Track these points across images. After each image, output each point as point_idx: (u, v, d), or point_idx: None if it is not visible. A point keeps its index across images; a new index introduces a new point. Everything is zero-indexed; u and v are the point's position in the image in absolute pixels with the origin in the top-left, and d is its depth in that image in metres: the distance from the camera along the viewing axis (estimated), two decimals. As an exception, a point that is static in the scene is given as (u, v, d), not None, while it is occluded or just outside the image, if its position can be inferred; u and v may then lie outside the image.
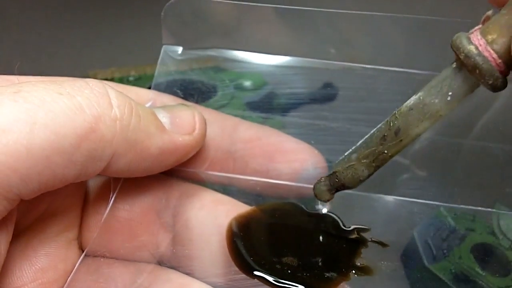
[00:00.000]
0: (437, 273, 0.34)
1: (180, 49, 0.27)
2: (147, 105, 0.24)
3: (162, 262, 0.22)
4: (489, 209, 0.24)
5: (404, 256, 0.34)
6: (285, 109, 0.29)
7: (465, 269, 0.33)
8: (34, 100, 0.17)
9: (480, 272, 0.32)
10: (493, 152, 0.27)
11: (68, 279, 0.21)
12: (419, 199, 0.24)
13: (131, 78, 0.47)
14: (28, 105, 0.17)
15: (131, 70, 0.47)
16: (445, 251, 0.34)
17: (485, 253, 0.32)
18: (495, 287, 0.31)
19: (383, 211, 0.24)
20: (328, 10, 0.25)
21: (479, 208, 0.24)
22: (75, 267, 0.22)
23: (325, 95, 0.29)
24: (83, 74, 0.46)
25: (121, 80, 0.47)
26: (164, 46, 0.27)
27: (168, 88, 0.26)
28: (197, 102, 0.26)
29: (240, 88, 0.31)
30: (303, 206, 0.23)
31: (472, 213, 0.28)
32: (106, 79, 0.45)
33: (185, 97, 0.26)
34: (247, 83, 0.31)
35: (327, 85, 0.29)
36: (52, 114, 0.17)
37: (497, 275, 0.31)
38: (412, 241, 0.34)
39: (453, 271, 0.34)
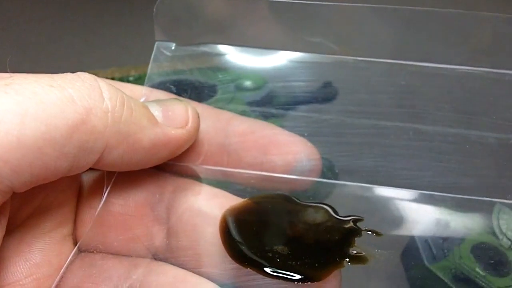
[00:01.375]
0: (437, 273, 0.34)
1: (173, 46, 0.27)
2: (141, 100, 0.24)
3: (156, 255, 0.22)
4: (490, 199, 0.24)
5: (404, 256, 0.34)
6: (281, 104, 0.28)
7: (465, 269, 0.33)
8: (25, 92, 0.17)
9: (480, 272, 0.32)
10: (493, 144, 0.27)
11: (60, 273, 0.21)
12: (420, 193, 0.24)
13: (131, 78, 0.47)
14: (19, 97, 0.17)
15: (131, 70, 0.48)
16: (445, 251, 0.34)
17: (485, 253, 0.32)
18: (495, 287, 0.31)
19: (381, 204, 0.24)
20: (321, 3, 0.25)
21: (479, 198, 0.23)
22: (67, 261, 0.22)
23: (324, 93, 0.29)
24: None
25: (121, 80, 0.47)
26: (157, 43, 0.27)
27: (162, 84, 0.26)
28: (190, 98, 0.26)
29: (239, 88, 0.31)
30: (295, 198, 0.23)
31: (472, 211, 0.28)
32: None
33: (178, 93, 0.26)
34: (247, 83, 0.31)
35: (326, 84, 0.29)
36: (43, 105, 0.17)
37: (497, 275, 0.31)
38: (412, 240, 0.34)
39: (453, 271, 0.34)
